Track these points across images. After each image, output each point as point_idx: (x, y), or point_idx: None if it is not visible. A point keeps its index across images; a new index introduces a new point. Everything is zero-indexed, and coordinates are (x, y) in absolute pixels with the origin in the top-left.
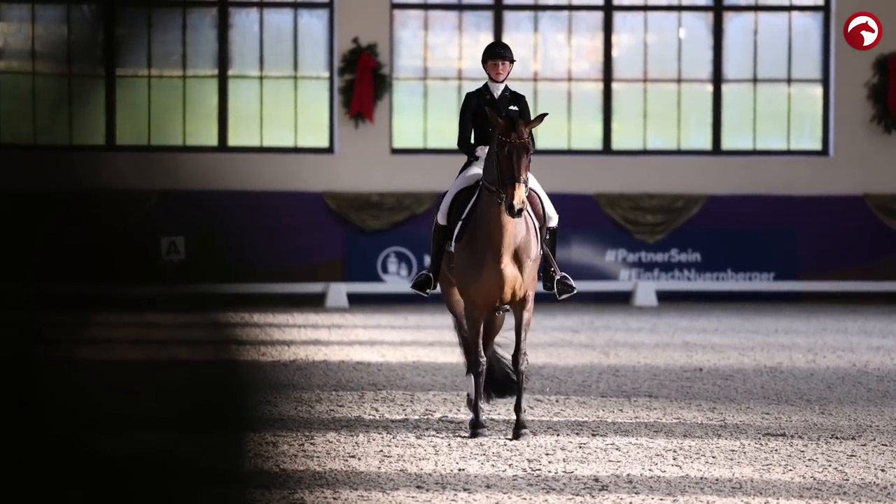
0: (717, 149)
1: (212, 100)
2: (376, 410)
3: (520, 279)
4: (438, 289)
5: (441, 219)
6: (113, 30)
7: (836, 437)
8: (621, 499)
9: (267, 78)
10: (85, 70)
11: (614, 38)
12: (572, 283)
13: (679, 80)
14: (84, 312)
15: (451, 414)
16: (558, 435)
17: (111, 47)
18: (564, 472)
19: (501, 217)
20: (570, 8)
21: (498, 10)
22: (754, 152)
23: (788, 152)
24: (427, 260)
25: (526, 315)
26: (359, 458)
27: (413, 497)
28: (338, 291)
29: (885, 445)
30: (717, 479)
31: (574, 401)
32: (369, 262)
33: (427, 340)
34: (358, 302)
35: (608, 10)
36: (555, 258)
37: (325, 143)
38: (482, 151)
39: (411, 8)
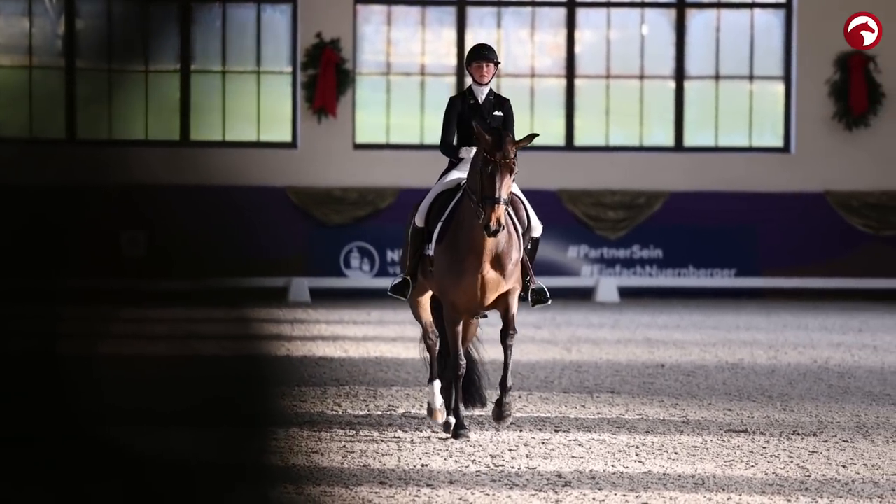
0: (679, 145)
1: (174, 94)
2: (339, 406)
3: (502, 283)
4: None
5: (419, 221)
6: (73, 23)
7: (798, 434)
8: (584, 494)
9: (229, 73)
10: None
11: (577, 35)
12: (547, 293)
13: (642, 77)
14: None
15: (415, 410)
16: (521, 431)
17: (73, 40)
18: (527, 468)
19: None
20: (533, 4)
21: (461, 6)
22: (716, 149)
23: (750, 149)
24: (391, 256)
25: (511, 300)
26: (321, 454)
27: (376, 493)
28: (300, 286)
29: (847, 441)
30: (679, 475)
31: (537, 397)
32: (332, 256)
33: (390, 336)
34: (320, 297)
35: (571, 6)
36: (533, 267)
37: (287, 138)
38: (466, 153)
39: (374, 3)
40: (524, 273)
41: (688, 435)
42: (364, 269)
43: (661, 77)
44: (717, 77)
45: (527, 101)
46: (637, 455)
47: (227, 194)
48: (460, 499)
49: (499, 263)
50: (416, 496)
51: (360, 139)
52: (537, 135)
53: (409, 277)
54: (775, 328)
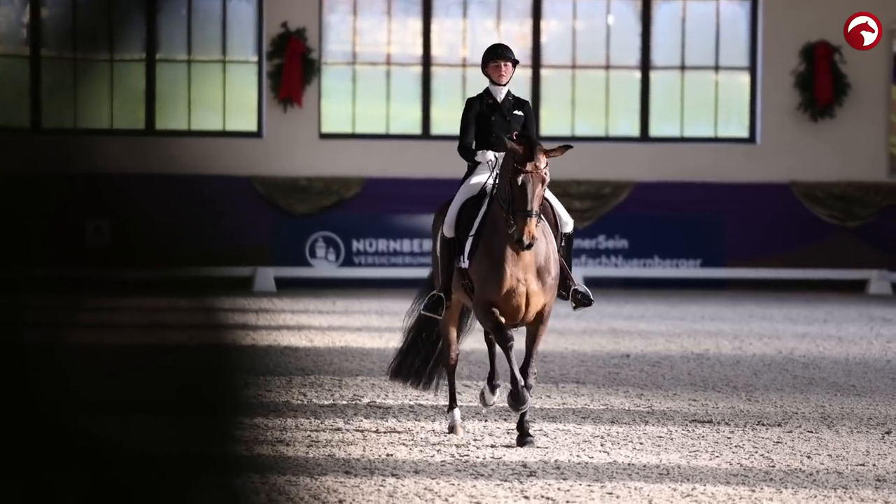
0: (644, 136)
1: (139, 84)
2: (304, 395)
3: (542, 298)
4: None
5: (448, 231)
6: (38, 11)
7: (763, 424)
8: (549, 484)
9: (195, 62)
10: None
11: (543, 25)
12: (590, 294)
13: (607, 67)
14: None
15: (380, 399)
16: (486, 421)
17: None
18: (492, 457)
19: None
20: None
21: None
22: (682, 139)
23: (716, 140)
24: (356, 245)
25: (541, 328)
26: (286, 444)
27: (341, 482)
28: (265, 275)
29: (811, 432)
30: (644, 466)
31: (502, 387)
32: (297, 246)
33: (355, 325)
34: (285, 286)
35: None
36: (571, 268)
37: (253, 128)
38: (482, 157)
39: None
40: (563, 275)
41: (653, 425)
42: (329, 258)
43: (627, 67)
44: (682, 67)
45: None
46: (602, 445)
47: (192, 184)
48: (425, 488)
49: (539, 273)
50: (381, 486)
51: (325, 128)
52: (570, 147)
53: (442, 294)
54: (740, 319)
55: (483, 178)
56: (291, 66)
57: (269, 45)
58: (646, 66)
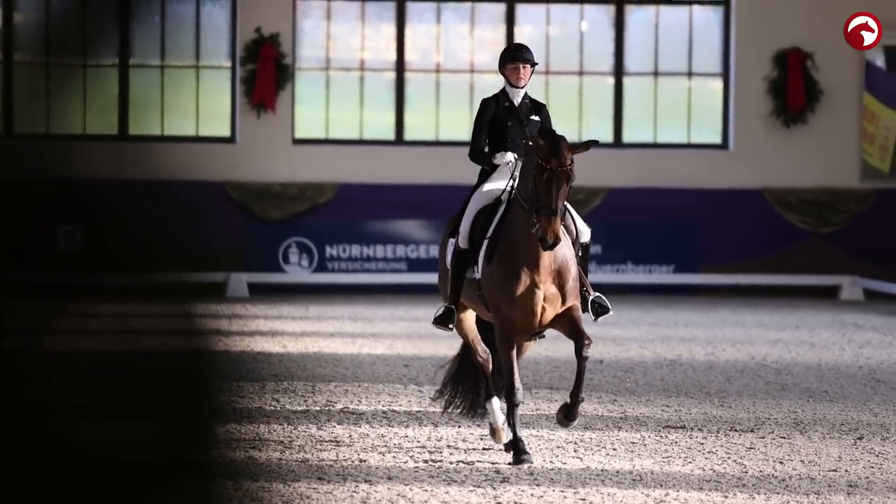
0: (618, 141)
1: (112, 89)
2: (277, 401)
3: (560, 300)
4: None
5: (462, 242)
6: (11, 16)
7: (735, 430)
8: (522, 490)
9: (168, 67)
10: None
11: (516, 31)
12: (608, 303)
13: (581, 73)
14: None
15: (353, 405)
16: (459, 427)
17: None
18: (465, 463)
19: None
20: (473, 0)
21: (401, 1)
22: (655, 145)
23: (689, 146)
24: (329, 251)
25: (576, 315)
26: (260, 450)
27: (314, 488)
28: (238, 281)
29: (784, 438)
30: (617, 472)
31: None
32: (270, 251)
33: (328, 331)
34: (258, 292)
35: (510, 2)
36: (587, 276)
37: (226, 133)
38: (501, 159)
39: None
40: (580, 285)
41: (626, 431)
42: (303, 264)
43: (600, 73)
44: (655, 73)
45: (466, 97)
46: (575, 451)
47: (166, 189)
48: (398, 494)
49: (558, 278)
50: (355, 492)
51: (299, 134)
52: (596, 142)
53: (453, 306)
54: (713, 324)
55: (499, 184)
56: (265, 71)
57: (242, 51)
58: (619, 72)
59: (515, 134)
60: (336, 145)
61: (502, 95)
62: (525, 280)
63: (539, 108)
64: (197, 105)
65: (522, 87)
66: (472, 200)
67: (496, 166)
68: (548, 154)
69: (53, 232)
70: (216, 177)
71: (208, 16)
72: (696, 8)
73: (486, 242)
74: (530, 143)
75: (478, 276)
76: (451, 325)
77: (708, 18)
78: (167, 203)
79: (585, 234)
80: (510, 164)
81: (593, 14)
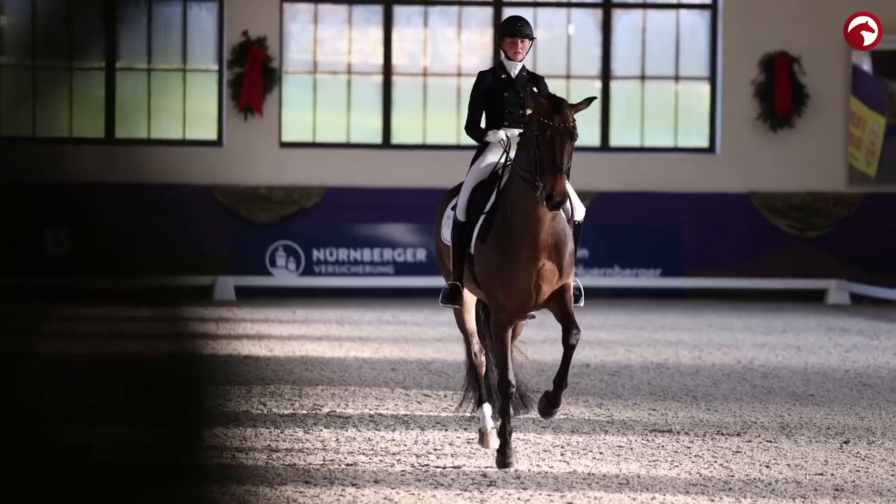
0: (605, 145)
1: (99, 92)
2: (264, 405)
3: (557, 275)
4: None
5: (461, 215)
6: None
7: (722, 434)
8: (509, 494)
9: (155, 70)
10: None
11: None
12: (582, 292)
13: (568, 77)
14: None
15: (340, 409)
16: (447, 430)
17: None
18: (452, 467)
19: (539, 209)
20: (460, 3)
21: (388, 4)
22: (642, 149)
23: (676, 150)
24: (316, 254)
25: (568, 296)
26: (246, 453)
27: (301, 492)
28: (225, 284)
29: (770, 442)
30: (604, 475)
31: (461, 396)
32: (257, 255)
33: (315, 335)
34: (246, 295)
35: (497, 6)
36: (576, 257)
37: (213, 136)
38: (493, 136)
39: (301, 1)
40: None
41: (612, 435)
42: (290, 267)
43: (588, 77)
44: (643, 77)
45: (453, 100)
46: (562, 455)
47: (152, 192)
48: (385, 498)
49: (555, 253)
50: (342, 496)
51: (286, 137)
52: (595, 98)
53: (457, 283)
54: (700, 328)
55: (495, 158)
56: (252, 74)
57: (229, 54)
58: (606, 75)
59: (512, 106)
60: (323, 149)
61: (499, 67)
62: (522, 257)
63: (537, 80)
64: (184, 108)
65: (520, 61)
66: (469, 174)
67: (488, 144)
68: (550, 111)
69: (41, 235)
70: (203, 180)
71: (195, 19)
72: (683, 12)
73: (482, 217)
74: (529, 112)
75: (471, 251)
76: (458, 302)
77: (695, 22)
78: (154, 206)
79: (580, 212)
80: (502, 141)
81: (580, 18)
